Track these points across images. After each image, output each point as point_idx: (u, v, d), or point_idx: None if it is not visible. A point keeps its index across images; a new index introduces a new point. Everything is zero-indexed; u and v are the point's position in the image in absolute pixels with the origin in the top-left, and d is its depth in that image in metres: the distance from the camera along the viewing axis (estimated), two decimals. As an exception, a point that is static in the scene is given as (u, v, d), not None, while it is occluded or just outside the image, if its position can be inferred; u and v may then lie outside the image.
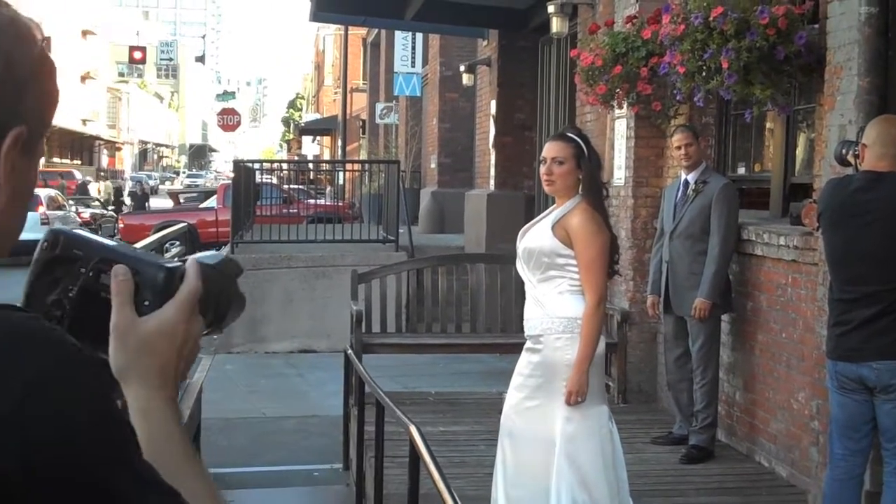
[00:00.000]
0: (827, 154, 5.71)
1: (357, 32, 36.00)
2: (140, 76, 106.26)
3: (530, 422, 4.79)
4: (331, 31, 53.38)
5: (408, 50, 24.10)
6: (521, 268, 4.89)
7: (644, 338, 8.72)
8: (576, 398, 4.64)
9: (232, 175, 16.47)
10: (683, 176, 7.24)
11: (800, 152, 7.19)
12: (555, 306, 4.75)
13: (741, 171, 8.01)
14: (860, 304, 4.72)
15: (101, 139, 76.04)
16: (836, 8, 5.81)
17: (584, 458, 4.68)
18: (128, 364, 1.19)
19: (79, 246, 1.20)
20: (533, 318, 4.83)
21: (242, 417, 9.84)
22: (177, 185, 66.65)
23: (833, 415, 4.98)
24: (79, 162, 66.28)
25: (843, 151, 5.22)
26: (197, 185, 61.15)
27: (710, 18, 6.29)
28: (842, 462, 4.87)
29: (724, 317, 7.28)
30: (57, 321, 1.17)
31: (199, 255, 1.34)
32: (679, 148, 7.21)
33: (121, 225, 25.04)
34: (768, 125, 7.65)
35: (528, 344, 4.89)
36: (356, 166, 23.09)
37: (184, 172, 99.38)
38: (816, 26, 6.23)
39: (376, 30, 29.96)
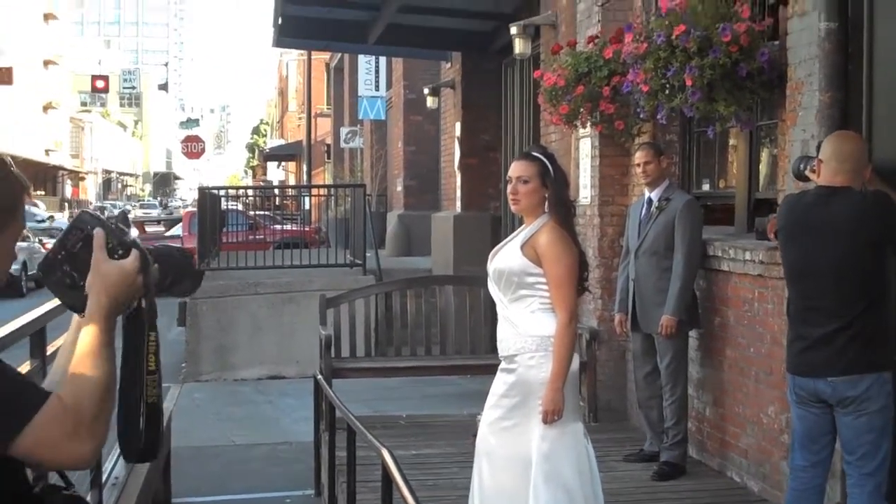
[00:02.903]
0: (790, 169, 5.75)
1: (320, 57, 36.06)
2: (103, 105, 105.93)
3: (507, 442, 4.77)
4: (294, 56, 53.43)
5: (371, 74, 24.13)
6: (493, 288, 4.90)
7: (613, 356, 8.74)
8: (552, 416, 4.62)
9: (196, 202, 16.38)
10: (647, 193, 7.27)
11: (763, 168, 7.24)
12: (527, 325, 4.75)
13: (706, 187, 8.05)
14: (817, 320, 4.71)
15: (65, 169, 75.67)
16: (797, 24, 5.86)
17: (560, 477, 4.67)
18: (92, 281, 2.07)
19: (52, 253, 2.09)
20: (506, 339, 4.83)
21: (212, 446, 9.76)
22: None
23: (793, 427, 4.99)
24: (42, 192, 65.82)
25: (801, 167, 5.21)
26: (151, 215, 60.95)
27: (673, 37, 6.33)
28: (801, 473, 4.88)
29: (692, 333, 7.30)
30: (72, 287, 2.06)
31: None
32: (638, 165, 7.26)
33: None
34: (732, 141, 7.70)
35: (502, 364, 4.88)
36: (322, 191, 23.04)
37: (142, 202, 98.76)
38: (777, 42, 6.28)
39: (340, 54, 30.00)
